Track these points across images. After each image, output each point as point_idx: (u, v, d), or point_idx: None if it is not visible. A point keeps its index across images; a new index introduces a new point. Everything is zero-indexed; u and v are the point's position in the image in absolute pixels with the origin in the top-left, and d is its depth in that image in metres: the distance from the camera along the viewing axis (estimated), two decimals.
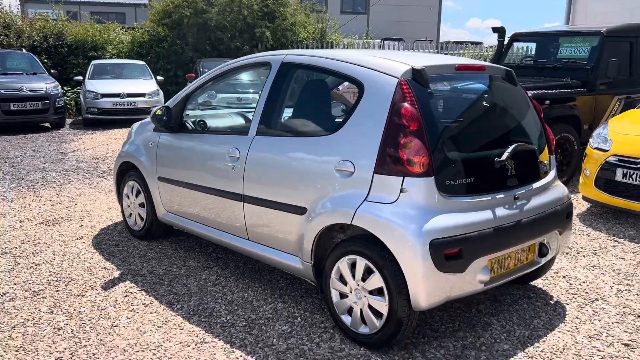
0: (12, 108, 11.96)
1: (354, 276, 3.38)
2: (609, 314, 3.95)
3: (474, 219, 3.27)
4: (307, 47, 17.91)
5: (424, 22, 37.98)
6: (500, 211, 3.42)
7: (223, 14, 16.87)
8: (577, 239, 5.59)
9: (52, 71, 14.20)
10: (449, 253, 3.12)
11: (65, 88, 15.30)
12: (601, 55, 8.07)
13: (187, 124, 4.73)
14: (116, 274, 4.49)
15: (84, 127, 13.10)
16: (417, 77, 3.33)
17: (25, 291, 4.16)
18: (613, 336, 3.63)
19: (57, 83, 13.04)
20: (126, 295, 4.10)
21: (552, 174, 3.99)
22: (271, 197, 3.82)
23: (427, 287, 3.10)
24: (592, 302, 4.14)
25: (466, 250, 3.18)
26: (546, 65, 8.81)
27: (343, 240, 3.50)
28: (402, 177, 3.17)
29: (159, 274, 4.49)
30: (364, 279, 3.33)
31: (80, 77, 14.34)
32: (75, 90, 15.44)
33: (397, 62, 3.44)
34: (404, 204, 3.16)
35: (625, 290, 4.35)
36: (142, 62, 15.33)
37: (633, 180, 5.84)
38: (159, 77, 14.74)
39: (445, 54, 19.72)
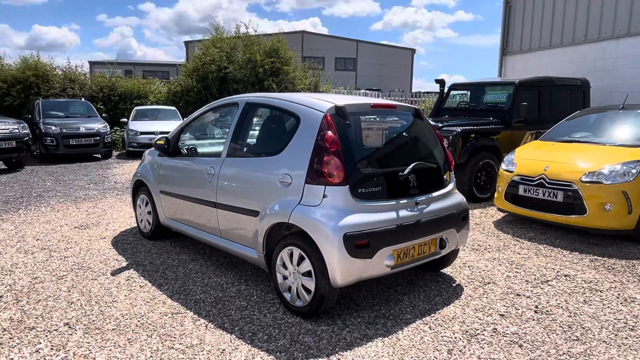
0: (71, 143, 12.21)
1: (292, 262, 3.49)
2: (495, 293, 4.03)
3: (380, 218, 3.38)
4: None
5: (400, 77, 38.55)
6: (403, 212, 3.53)
7: (240, 70, 17.21)
8: (487, 239, 5.67)
9: (103, 115, 14.48)
10: (359, 243, 3.23)
11: (115, 128, 15.58)
12: (515, 100, 8.23)
13: (182, 150, 4.89)
14: (124, 264, 4.61)
15: (126, 158, 13.30)
16: (339, 112, 3.49)
17: (53, 276, 4.28)
18: (493, 309, 3.71)
19: (106, 124, 13.28)
20: (128, 279, 4.20)
21: (451, 185, 4.11)
22: (235, 203, 3.95)
23: (341, 269, 3.21)
24: (485, 284, 4.21)
25: (373, 242, 3.29)
26: (476, 108, 8.96)
27: (285, 235, 3.61)
28: (324, 186, 3.30)
29: (157, 264, 4.60)
30: (298, 264, 3.44)
31: (126, 119, 14.61)
32: (122, 129, 15.69)
33: (325, 101, 3.61)
34: (325, 206, 3.29)
35: (513, 276, 4.43)
36: (173, 108, 15.59)
37: (531, 194, 5.95)
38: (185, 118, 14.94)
39: (416, 101, 20.04)
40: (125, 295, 3.86)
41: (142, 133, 13.19)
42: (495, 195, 6.59)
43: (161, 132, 13.31)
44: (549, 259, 4.93)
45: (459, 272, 4.50)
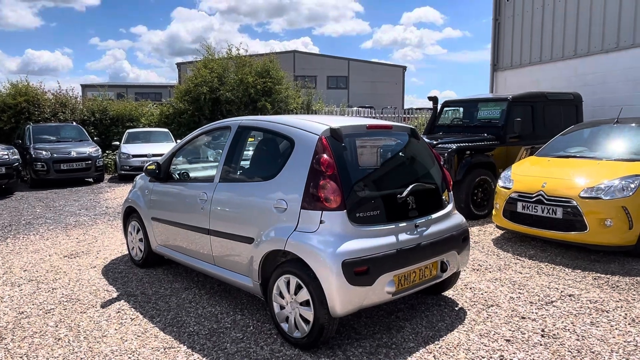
0: (62, 167, 12.06)
1: (289, 291, 3.35)
2: (499, 316, 3.90)
3: (380, 243, 3.27)
4: (297, 114, 18.16)
5: (392, 94, 38.79)
6: (403, 236, 3.42)
7: (232, 91, 17.19)
8: (488, 258, 5.56)
9: (95, 138, 14.35)
10: (358, 270, 3.11)
11: (107, 151, 15.44)
12: (509, 116, 8.21)
13: (173, 175, 4.77)
14: (115, 294, 4.44)
15: (119, 181, 13.13)
16: (334, 134, 3.40)
17: (40, 310, 4.10)
18: (499, 334, 3.58)
19: (98, 147, 13.15)
20: (118, 312, 4.04)
21: (450, 206, 4.01)
22: (229, 230, 3.82)
23: (341, 298, 3.08)
24: (489, 307, 4.09)
25: (373, 268, 3.17)
26: (469, 125, 8.93)
27: (281, 262, 3.48)
28: (321, 211, 3.19)
29: (149, 294, 4.43)
30: (296, 294, 3.30)
31: (118, 143, 14.48)
32: (114, 152, 15.55)
33: (319, 123, 3.52)
34: (323, 232, 3.17)
35: (516, 297, 4.31)
36: (166, 130, 15.50)
37: (529, 211, 5.86)
38: (178, 141, 14.84)
39: (408, 117, 20.03)
40: (116, 329, 3.70)
41: (134, 156, 13.06)
42: (494, 212, 6.50)
43: (154, 155, 13.20)
44: (552, 278, 4.81)
45: (461, 295, 4.37)
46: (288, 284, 3.35)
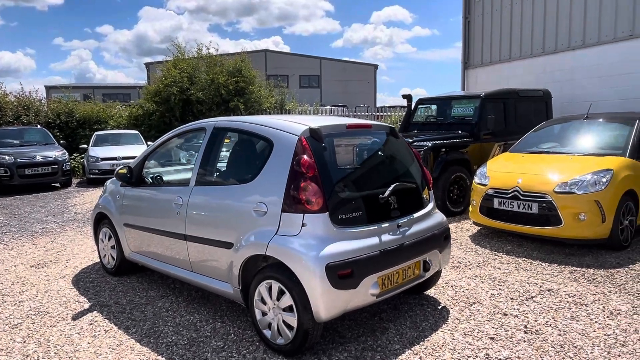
0: (26, 172, 11.59)
1: (271, 297, 3.25)
2: (482, 314, 3.89)
3: (363, 245, 3.20)
4: (270, 114, 17.99)
5: (364, 92, 38.96)
6: (386, 237, 3.37)
7: (203, 91, 16.90)
8: (466, 255, 5.58)
9: (61, 142, 13.85)
10: (342, 273, 3.04)
11: (74, 154, 14.94)
12: (482, 113, 8.29)
13: (146, 179, 4.60)
14: (86, 305, 4.24)
15: (87, 186, 12.71)
16: (314, 135, 3.32)
17: (6, 325, 3.88)
18: (482, 332, 3.56)
19: (64, 151, 12.69)
20: (91, 324, 3.85)
21: (431, 205, 3.98)
22: (206, 235, 3.69)
23: (325, 302, 3.00)
24: (471, 305, 4.08)
25: (356, 270, 3.10)
26: (443, 122, 8.99)
27: (262, 267, 3.38)
28: (302, 214, 3.10)
29: (123, 304, 4.25)
30: (278, 299, 3.21)
31: (85, 145, 14.02)
32: (82, 156, 15.08)
33: (298, 123, 3.43)
34: (305, 236, 3.08)
35: (497, 294, 4.32)
36: (136, 132, 15.10)
37: (506, 207, 5.92)
38: (149, 143, 14.48)
39: (381, 115, 20.08)
40: (89, 343, 3.52)
41: (103, 159, 12.67)
42: (470, 209, 6.54)
43: (124, 158, 12.87)
44: (530, 273, 4.86)
45: (443, 293, 4.36)
46: (270, 289, 3.25)
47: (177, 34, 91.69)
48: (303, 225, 3.09)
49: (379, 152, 3.87)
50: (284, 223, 3.16)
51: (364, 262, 3.15)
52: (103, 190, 5.25)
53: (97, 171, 12.67)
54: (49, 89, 36.30)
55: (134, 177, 4.52)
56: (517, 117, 8.87)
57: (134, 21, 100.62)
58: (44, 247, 6.32)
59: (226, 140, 4.06)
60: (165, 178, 4.57)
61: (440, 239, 3.85)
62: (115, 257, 4.92)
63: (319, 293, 2.97)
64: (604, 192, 5.36)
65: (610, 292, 4.31)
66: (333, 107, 22.44)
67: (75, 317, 3.98)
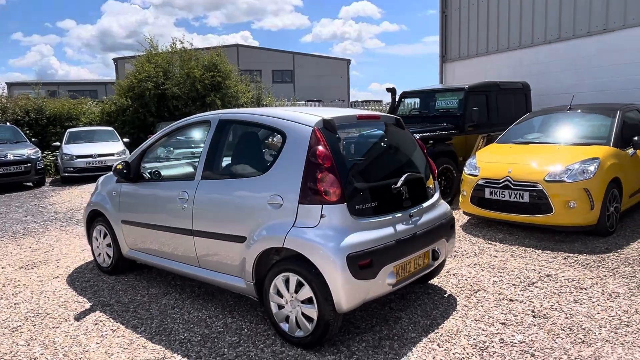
0: None
1: (288, 290, 3.23)
2: (488, 300, 3.97)
3: (380, 235, 3.21)
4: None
5: (337, 87, 39.01)
6: (400, 227, 3.39)
7: (178, 86, 16.56)
8: (461, 244, 5.67)
9: (32, 139, 13.35)
10: (362, 264, 3.04)
11: (45, 152, 14.42)
12: (466, 105, 8.42)
13: (144, 175, 4.48)
14: (87, 305, 4.11)
15: (62, 184, 12.29)
16: (327, 126, 3.30)
17: (5, 328, 3.72)
18: (493, 317, 3.64)
19: (37, 149, 12.23)
20: (96, 324, 3.73)
21: (437, 195, 4.03)
22: (216, 229, 3.62)
23: (346, 293, 3.00)
24: (476, 292, 4.15)
25: (375, 260, 3.12)
26: (428, 115, 9.08)
27: (278, 261, 3.34)
28: (321, 205, 3.08)
29: (125, 303, 4.14)
30: (296, 292, 3.19)
31: (58, 143, 13.54)
32: (54, 154, 14.59)
33: (311, 114, 3.40)
34: (324, 227, 3.07)
35: (499, 281, 4.41)
36: (110, 128, 14.69)
37: (497, 196, 6.04)
38: (125, 139, 14.15)
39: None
40: (98, 343, 3.41)
41: (78, 157, 12.29)
42: (460, 199, 6.64)
43: (100, 155, 12.56)
44: (527, 260, 4.98)
45: (447, 282, 4.42)
46: (287, 282, 3.23)
47: (143, 29, 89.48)
48: (322, 216, 3.07)
49: (389, 143, 3.88)
50: (301, 215, 3.13)
51: (381, 252, 3.16)
52: (95, 187, 5.09)
53: (72, 169, 12.27)
54: (10, 85, 34.86)
55: (131, 172, 4.40)
56: (499, 109, 9.06)
57: (97, 16, 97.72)
58: (30, 247, 6.08)
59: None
60: (165, 173, 4.46)
61: (447, 227, 3.90)
62: (111, 256, 4.78)
63: (341, 283, 2.97)
64: (592, 180, 5.54)
65: (606, 275, 4.46)
66: (308, 102, 22.43)
67: (78, 318, 3.85)
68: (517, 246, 5.51)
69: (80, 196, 10.18)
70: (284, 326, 3.30)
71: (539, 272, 4.59)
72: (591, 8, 9.83)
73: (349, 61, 40.97)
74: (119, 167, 4.41)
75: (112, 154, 12.78)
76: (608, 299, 3.92)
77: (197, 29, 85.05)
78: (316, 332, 3.11)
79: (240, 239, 3.44)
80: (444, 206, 4.05)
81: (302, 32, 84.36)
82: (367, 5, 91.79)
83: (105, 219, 4.74)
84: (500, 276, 4.53)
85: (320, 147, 3.15)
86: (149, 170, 4.54)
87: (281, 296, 3.28)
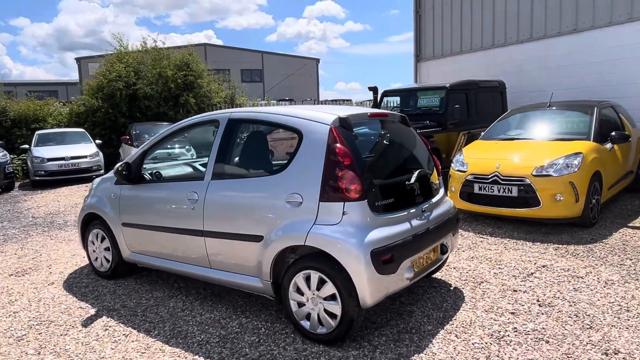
0: None
1: (309, 287, 3.24)
2: (493, 291, 4.09)
3: (398, 230, 3.27)
4: (221, 109, 17.59)
5: (307, 87, 38.95)
6: (415, 222, 3.46)
7: (150, 86, 16.19)
8: None
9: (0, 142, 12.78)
10: (384, 259, 3.09)
11: (12, 156, 13.82)
12: (448, 103, 8.62)
13: (145, 176, 4.38)
14: (92, 311, 3.99)
15: (33, 189, 11.80)
16: (343, 124, 3.33)
17: (9, 338, 3.57)
18: (501, 308, 3.76)
19: (5, 152, 11.72)
20: (106, 329, 3.64)
21: (442, 190, 4.12)
22: (230, 229, 3.59)
23: (371, 288, 3.04)
24: (480, 284, 4.28)
25: (396, 255, 3.17)
26: (410, 113, 9.21)
27: (297, 259, 3.34)
28: (342, 203, 3.11)
29: (131, 307, 4.05)
30: (318, 289, 3.20)
31: (27, 146, 13.01)
32: (21, 157, 14.01)
33: (327, 113, 3.42)
34: (346, 224, 3.10)
35: (499, 272, 4.55)
36: (81, 130, 14.23)
37: (486, 191, 6.21)
38: (97, 141, 13.74)
39: None
40: (112, 349, 3.33)
41: (49, 160, 11.86)
42: (449, 195, 6.79)
43: (72, 157, 12.17)
44: (520, 252, 5.15)
45: (449, 275, 4.53)
46: (308, 279, 3.24)
47: (102, 28, 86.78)
48: (344, 213, 3.10)
49: (399, 140, 3.94)
50: (322, 212, 3.15)
51: (400, 247, 3.22)
52: (90, 189, 4.94)
53: (43, 173, 11.83)
54: None
55: (132, 174, 4.30)
56: (478, 107, 9.32)
57: (53, 14, 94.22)
58: (15, 254, 5.83)
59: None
60: (166, 173, 4.38)
61: (453, 222, 4.00)
62: (110, 260, 4.66)
63: (366, 279, 3.01)
64: (577, 173, 5.78)
65: (597, 264, 4.68)
66: (280, 102, 22.33)
67: (86, 324, 3.74)
68: (507, 239, 5.69)
69: (56, 200, 9.82)
70: (305, 324, 3.31)
71: (535, 263, 4.76)
72: (561, 9, 10.22)
73: (317, 60, 41.05)
74: (120, 168, 4.30)
75: (85, 156, 12.41)
76: (605, 287, 4.11)
77: (160, 28, 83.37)
78: (340, 328, 3.14)
79: (257, 238, 3.43)
80: (449, 201, 4.15)
81: (266, 32, 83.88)
82: (331, 5, 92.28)
83: (103, 222, 4.61)
84: (499, 268, 4.67)
85: (340, 145, 3.17)
86: (149, 172, 4.45)
87: (301, 294, 3.29)
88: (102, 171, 12.93)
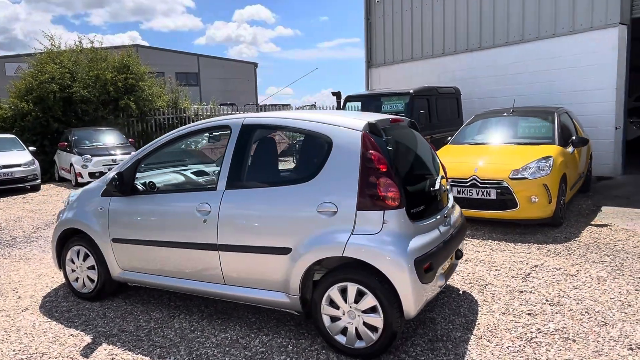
0: None
1: (346, 300, 3.09)
2: (501, 293, 4.17)
3: (432, 237, 3.23)
4: (164, 114, 16.81)
5: (245, 91, 38.43)
6: (442, 228, 3.43)
7: (87, 88, 15.11)
8: None
9: None
10: (426, 267, 3.03)
11: None
12: (412, 108, 8.80)
13: (139, 187, 4.01)
14: (87, 339, 3.57)
15: None
16: (373, 129, 3.23)
17: None
18: (517, 309, 3.82)
19: None
20: (113, 358, 3.26)
21: (452, 195, 4.14)
22: (251, 242, 3.36)
23: (415, 297, 2.96)
24: (485, 287, 4.34)
25: (434, 263, 3.12)
26: None
27: (330, 271, 3.19)
28: (382, 211, 3.00)
29: (132, 331, 3.67)
30: (356, 302, 3.07)
31: None
32: None
33: (355, 119, 3.31)
34: (386, 233, 3.00)
35: (498, 274, 4.66)
36: (12, 136, 12.95)
37: (465, 194, 6.37)
38: (31, 148, 12.58)
39: None
40: None
41: None
42: None
43: (4, 167, 11.07)
44: (508, 253, 5.32)
45: (452, 279, 4.56)
46: (344, 292, 3.09)
47: (14, 26, 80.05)
48: (384, 222, 2.99)
49: (416, 146, 3.90)
50: (360, 222, 3.03)
51: (436, 254, 3.18)
52: (67, 203, 4.45)
53: None
54: None
55: (125, 185, 3.91)
56: (438, 111, 9.60)
57: None
58: None
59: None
60: (170, 184, 4.04)
61: (465, 226, 4.03)
62: (95, 280, 4.21)
63: (411, 289, 2.92)
64: (550, 176, 6.09)
65: (582, 262, 4.93)
66: (222, 106, 21.79)
67: (86, 354, 3.33)
68: (489, 240, 5.86)
69: None
70: (340, 338, 3.15)
71: (527, 264, 4.92)
72: (509, 21, 10.81)
73: (255, 65, 40.60)
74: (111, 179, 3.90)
75: (19, 165, 11.36)
76: (599, 283, 4.33)
77: (78, 27, 78.43)
78: (382, 341, 3.02)
79: (284, 251, 3.23)
80: (457, 205, 4.17)
81: (195, 34, 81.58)
82: (261, 9, 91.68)
83: (88, 238, 4.16)
84: (496, 270, 4.78)
85: (375, 152, 3.07)
86: (142, 182, 4.08)
87: (336, 307, 3.13)
88: (38, 181, 11.87)
